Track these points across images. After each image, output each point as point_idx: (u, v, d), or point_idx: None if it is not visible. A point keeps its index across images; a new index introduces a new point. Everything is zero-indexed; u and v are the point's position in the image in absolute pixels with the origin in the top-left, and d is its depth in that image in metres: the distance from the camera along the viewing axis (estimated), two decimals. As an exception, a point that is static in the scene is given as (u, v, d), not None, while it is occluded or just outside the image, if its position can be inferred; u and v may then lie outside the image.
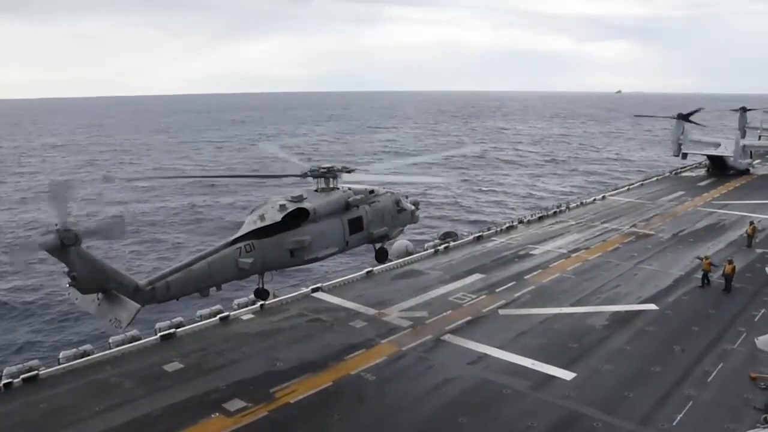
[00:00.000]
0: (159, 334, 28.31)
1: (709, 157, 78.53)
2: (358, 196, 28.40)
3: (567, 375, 24.62)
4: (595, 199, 61.87)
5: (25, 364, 25.06)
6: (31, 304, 52.04)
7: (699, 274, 35.80)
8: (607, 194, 65.01)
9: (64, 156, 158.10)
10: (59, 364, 25.58)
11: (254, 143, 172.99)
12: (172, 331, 28.66)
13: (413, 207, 31.37)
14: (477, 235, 46.77)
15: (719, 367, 25.21)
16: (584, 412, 21.93)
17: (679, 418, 21.44)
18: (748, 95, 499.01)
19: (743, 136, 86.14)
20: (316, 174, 27.93)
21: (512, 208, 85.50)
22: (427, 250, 42.85)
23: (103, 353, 26.64)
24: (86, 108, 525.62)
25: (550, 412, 21.98)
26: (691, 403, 22.38)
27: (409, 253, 41.70)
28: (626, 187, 69.65)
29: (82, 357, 26.07)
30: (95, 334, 41.36)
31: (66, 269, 20.57)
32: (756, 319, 30.43)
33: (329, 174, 28.04)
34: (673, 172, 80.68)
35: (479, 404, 22.55)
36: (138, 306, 22.12)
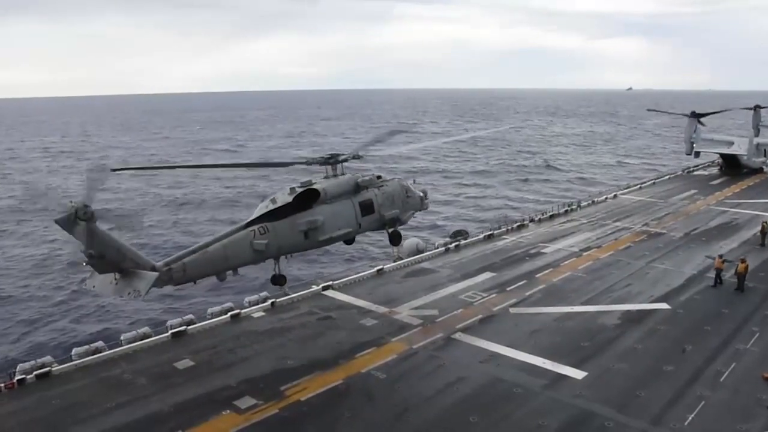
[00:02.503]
0: (170, 332, 28.49)
1: (722, 155, 77.89)
2: (367, 178, 28.86)
3: (578, 374, 24.53)
4: (606, 198, 61.56)
5: (37, 360, 25.32)
6: (44, 301, 52.46)
7: (711, 273, 35.55)
8: (618, 193, 64.67)
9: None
10: (71, 360, 25.82)
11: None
12: (183, 328, 28.81)
13: (422, 194, 31.71)
14: (488, 233, 46.66)
15: (732, 366, 25.01)
16: (596, 411, 21.83)
17: (691, 417, 21.30)
18: (761, 92, 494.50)
19: (757, 134, 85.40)
20: (324, 161, 28.23)
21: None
22: (437, 248, 42.82)
23: (115, 350, 26.85)
24: (102, 107, 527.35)
25: (562, 411, 21.91)
26: (703, 402, 22.22)
27: (419, 252, 41.69)
28: (638, 186, 69.22)
29: (94, 354, 26.30)
30: (107, 332, 41.67)
31: (82, 248, 20.74)
32: (769, 319, 30.20)
33: (337, 161, 28.36)
34: (686, 171, 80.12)
35: (490, 403, 22.50)
36: (155, 274, 22.17)
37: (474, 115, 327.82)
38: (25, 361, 25.49)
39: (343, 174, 28.59)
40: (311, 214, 26.24)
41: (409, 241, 44.20)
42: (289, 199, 26.01)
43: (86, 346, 26.67)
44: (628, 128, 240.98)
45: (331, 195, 27.11)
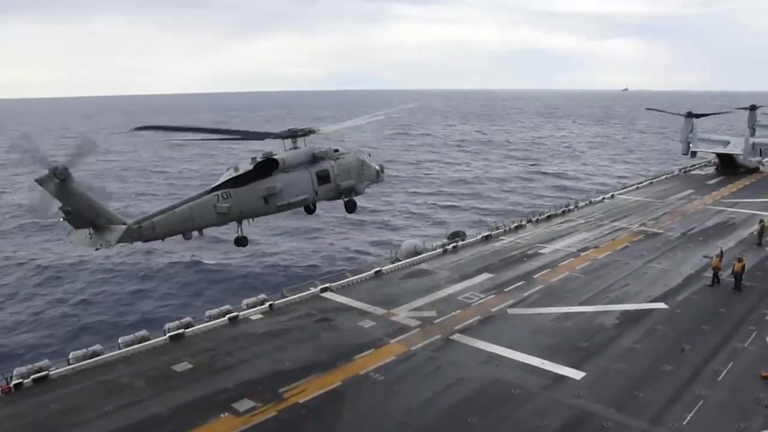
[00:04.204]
0: (168, 335, 28.42)
1: (719, 155, 78.08)
2: (324, 150, 30.49)
3: (577, 374, 24.52)
4: (603, 198, 61.61)
5: (35, 364, 25.20)
6: (40, 304, 52.36)
7: (709, 273, 35.59)
8: (615, 193, 64.74)
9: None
10: (69, 364, 25.73)
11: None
12: (181, 331, 28.75)
13: (378, 168, 33.14)
14: (485, 234, 46.63)
15: (730, 366, 25.04)
16: (594, 411, 21.82)
17: (689, 417, 21.31)
18: (757, 92, 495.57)
19: (753, 133, 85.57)
20: (284, 135, 29.78)
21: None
22: (435, 249, 42.77)
23: (112, 353, 26.77)
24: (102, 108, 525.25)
25: (561, 411, 21.89)
26: (701, 402, 22.23)
27: (417, 253, 41.64)
28: (635, 186, 69.31)
29: (91, 357, 26.20)
30: (105, 335, 41.58)
31: (60, 204, 22.48)
32: (767, 318, 30.19)
33: (296, 135, 29.94)
34: (683, 170, 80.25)
35: (489, 404, 22.48)
36: (124, 226, 24.17)
37: (467, 114, 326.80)
38: (22, 365, 25.40)
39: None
40: (270, 181, 28.16)
41: (408, 242, 44.22)
42: (250, 167, 27.82)
43: (84, 350, 26.58)
44: (620, 129, 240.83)
45: (290, 164, 28.94)
